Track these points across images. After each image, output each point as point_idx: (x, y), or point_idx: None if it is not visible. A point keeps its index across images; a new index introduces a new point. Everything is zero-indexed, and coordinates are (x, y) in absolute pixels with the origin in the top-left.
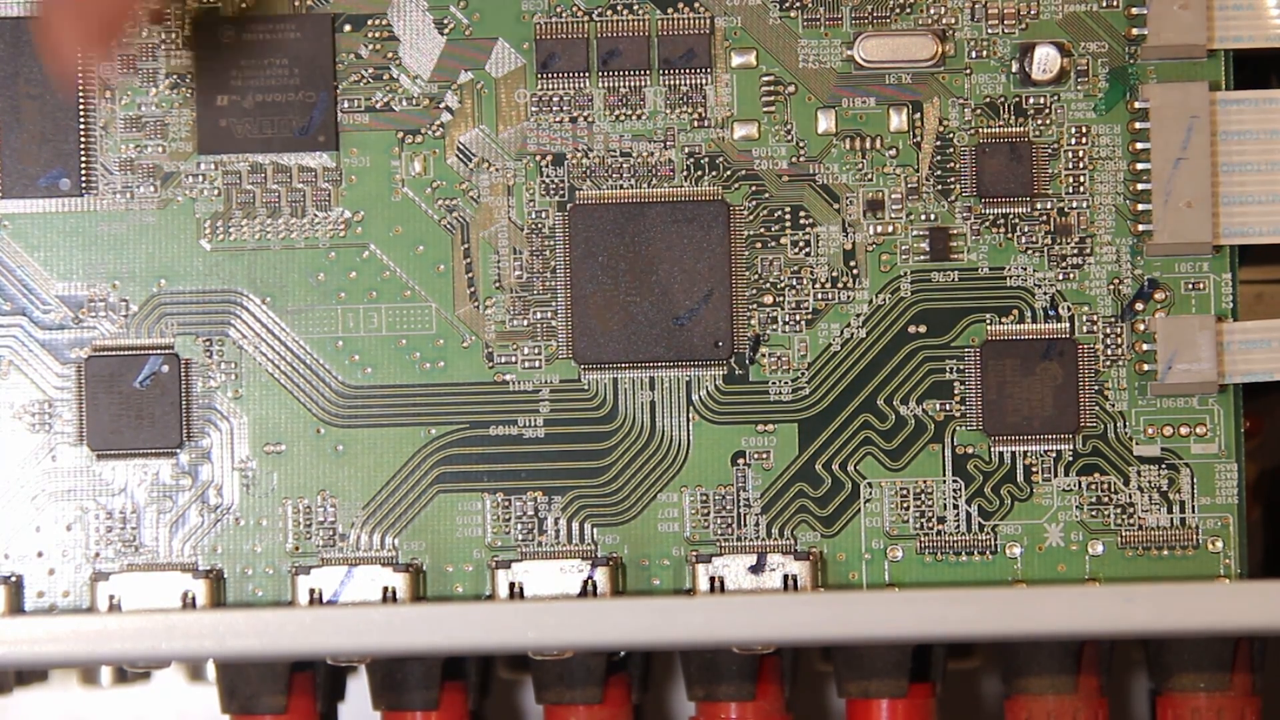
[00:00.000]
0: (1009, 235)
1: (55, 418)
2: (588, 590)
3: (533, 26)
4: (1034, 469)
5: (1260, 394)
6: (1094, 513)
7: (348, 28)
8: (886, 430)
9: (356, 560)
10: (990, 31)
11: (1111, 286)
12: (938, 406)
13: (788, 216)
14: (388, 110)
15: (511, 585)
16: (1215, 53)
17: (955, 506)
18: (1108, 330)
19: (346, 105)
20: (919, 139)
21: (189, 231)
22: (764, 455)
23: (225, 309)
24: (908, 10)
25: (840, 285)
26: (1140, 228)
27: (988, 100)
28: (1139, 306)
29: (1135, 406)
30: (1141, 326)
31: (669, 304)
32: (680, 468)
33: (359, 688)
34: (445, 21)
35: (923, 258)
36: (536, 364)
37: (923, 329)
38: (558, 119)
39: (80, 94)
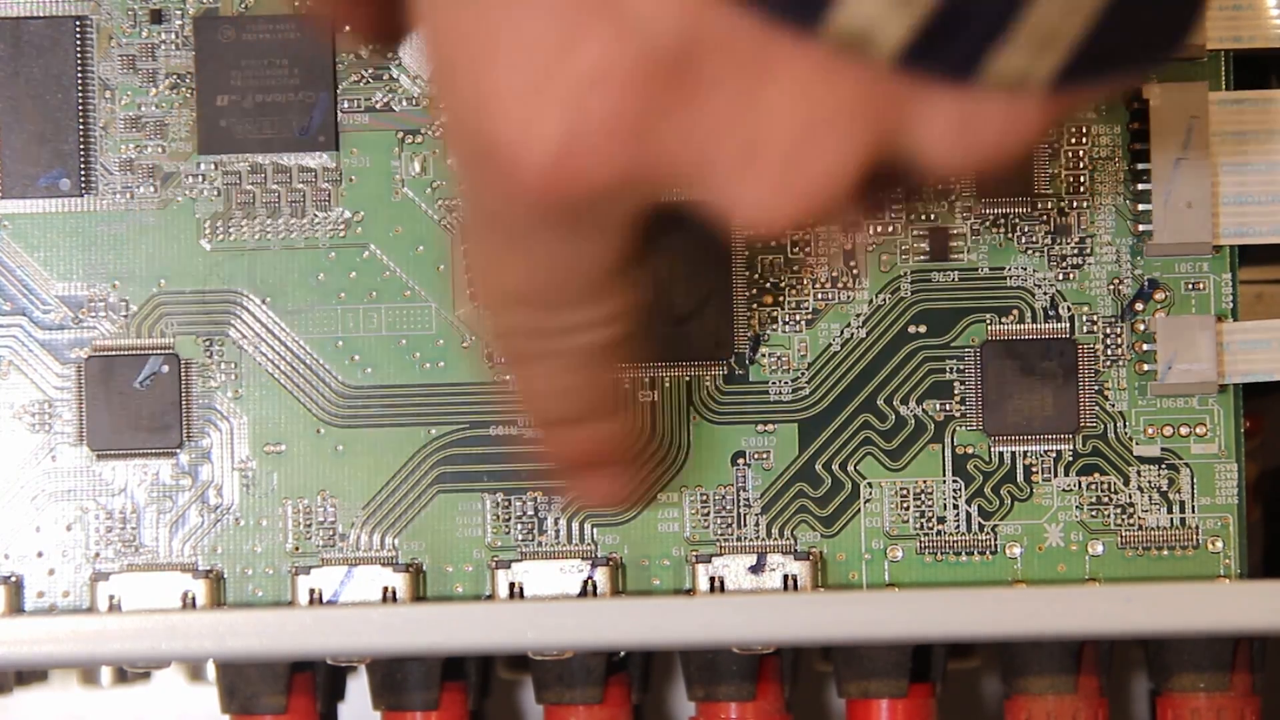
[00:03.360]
0: (1009, 235)
1: (55, 418)
2: (588, 590)
3: None
4: (1034, 469)
5: (1260, 394)
6: (1094, 513)
7: (348, 28)
8: (886, 430)
9: (356, 560)
10: None
11: (1111, 286)
12: (938, 406)
13: None
14: (388, 110)
15: (511, 585)
16: (1215, 53)
17: (955, 506)
18: (1108, 330)
19: (346, 105)
20: None
21: (189, 231)
22: (764, 455)
23: (225, 309)
24: None
25: (840, 285)
26: (1140, 228)
27: None
28: (1139, 306)
29: (1135, 406)
30: (1141, 327)
31: (669, 304)
32: (680, 468)
33: (359, 688)
34: None
35: (923, 258)
36: None
37: (923, 329)
38: None
39: (80, 94)
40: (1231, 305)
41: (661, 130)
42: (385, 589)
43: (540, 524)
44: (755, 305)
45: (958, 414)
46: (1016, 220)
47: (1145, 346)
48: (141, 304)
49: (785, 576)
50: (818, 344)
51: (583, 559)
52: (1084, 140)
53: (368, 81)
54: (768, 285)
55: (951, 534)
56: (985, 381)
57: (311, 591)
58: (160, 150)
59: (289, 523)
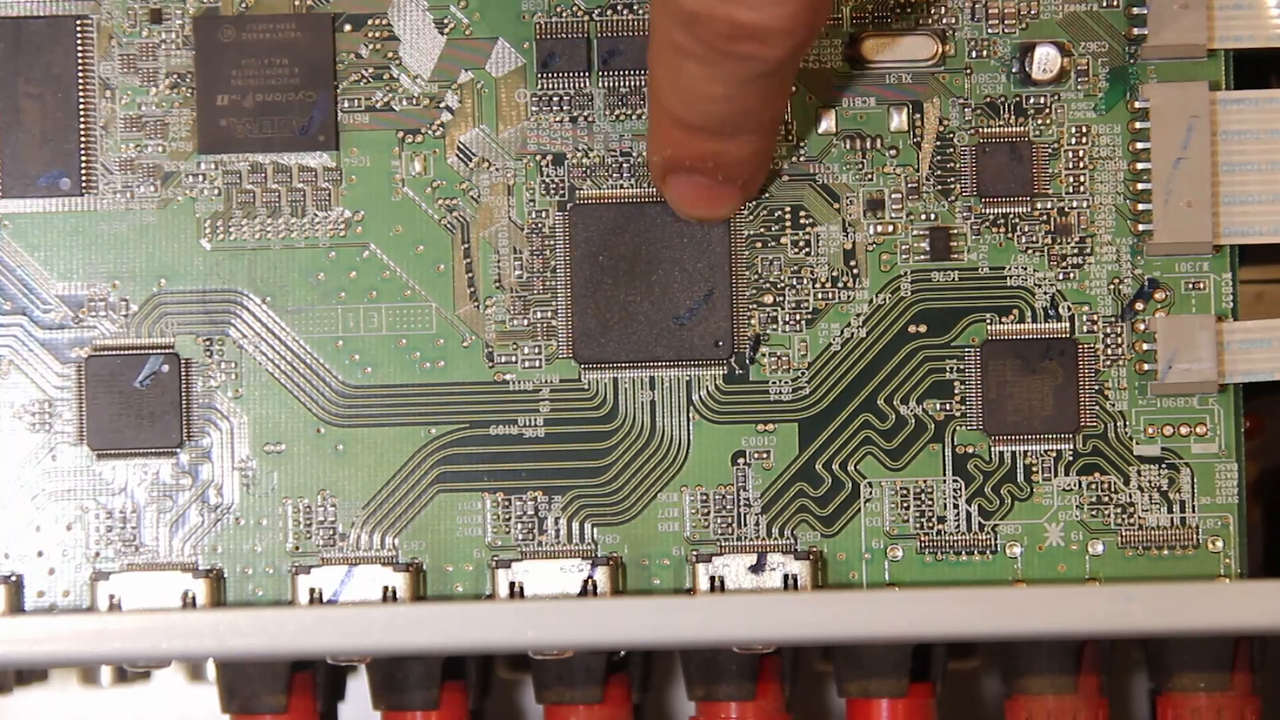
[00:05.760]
0: (1009, 235)
1: (55, 417)
2: (588, 590)
3: (533, 26)
4: (1034, 469)
5: (1260, 394)
6: (1094, 512)
7: (348, 28)
8: (886, 430)
9: (356, 560)
10: (990, 31)
11: (1111, 286)
12: (938, 406)
13: (788, 216)
14: (388, 110)
15: (511, 585)
16: (1215, 53)
17: (955, 506)
18: (1108, 330)
19: (346, 105)
20: (919, 139)
21: (189, 231)
22: (764, 455)
23: (225, 309)
24: (908, 10)
25: (840, 285)
26: (1140, 227)
27: (988, 100)
28: (1139, 306)
29: (1135, 406)
30: (1141, 326)
31: (669, 304)
32: (680, 467)
33: (359, 688)
34: (445, 21)
35: (923, 257)
36: (536, 364)
37: (923, 329)
38: (558, 119)
39: (80, 94)
40: (1231, 305)
41: None
42: (385, 588)
43: (540, 524)
44: (755, 305)
45: (958, 414)
46: (1016, 220)
47: (1145, 346)
48: (141, 303)
49: (785, 576)
50: (818, 344)
51: (583, 558)
52: (1084, 140)
53: (368, 81)
54: (767, 285)
55: (951, 534)
56: (985, 381)
57: (311, 591)
58: (160, 150)
59: (289, 522)
